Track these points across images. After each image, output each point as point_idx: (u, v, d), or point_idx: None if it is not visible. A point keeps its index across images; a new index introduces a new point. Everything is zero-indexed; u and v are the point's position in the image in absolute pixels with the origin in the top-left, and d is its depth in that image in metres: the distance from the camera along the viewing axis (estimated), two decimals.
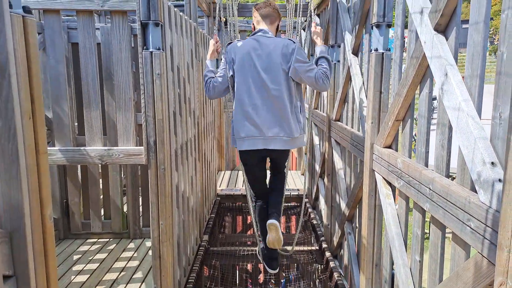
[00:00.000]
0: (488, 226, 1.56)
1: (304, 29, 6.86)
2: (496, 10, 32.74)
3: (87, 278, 3.77)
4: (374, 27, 2.99)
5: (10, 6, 1.33)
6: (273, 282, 7.30)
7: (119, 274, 3.87)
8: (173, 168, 3.28)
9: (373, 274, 3.17)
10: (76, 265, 4.04)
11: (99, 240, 4.64)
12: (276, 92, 2.73)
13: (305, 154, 6.81)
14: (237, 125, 2.82)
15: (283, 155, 3.05)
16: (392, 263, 2.87)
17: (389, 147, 2.89)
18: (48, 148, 2.81)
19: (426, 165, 2.38)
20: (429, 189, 2.11)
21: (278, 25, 2.99)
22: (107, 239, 4.67)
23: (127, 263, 4.09)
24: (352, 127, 4.00)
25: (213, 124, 6.40)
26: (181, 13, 3.58)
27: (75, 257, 4.22)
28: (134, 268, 4.00)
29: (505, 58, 1.53)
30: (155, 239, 3.01)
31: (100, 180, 4.72)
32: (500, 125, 1.57)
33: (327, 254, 4.72)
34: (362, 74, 3.81)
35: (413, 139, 2.78)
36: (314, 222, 5.72)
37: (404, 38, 2.78)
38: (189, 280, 4.00)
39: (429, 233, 2.30)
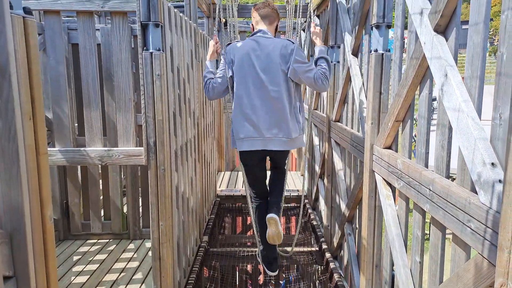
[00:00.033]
0: (489, 227, 1.56)
1: (304, 30, 6.86)
2: (496, 11, 32.69)
3: (87, 279, 3.77)
4: (373, 28, 2.99)
5: (11, 7, 1.33)
6: (273, 283, 7.30)
7: (119, 275, 3.86)
8: (173, 169, 3.27)
9: (373, 275, 3.16)
10: (76, 266, 4.04)
11: (99, 241, 4.64)
12: (275, 93, 2.73)
13: (305, 155, 6.81)
14: (236, 126, 2.82)
15: (283, 155, 3.05)
16: (392, 264, 2.86)
17: (389, 148, 2.89)
18: (48, 148, 2.82)
19: (426, 166, 2.37)
20: (429, 190, 2.11)
21: (277, 25, 2.99)
22: (107, 240, 4.67)
23: (127, 264, 4.09)
24: (352, 128, 4.00)
25: (213, 125, 6.40)
26: (181, 14, 3.58)
27: (75, 258, 4.21)
28: (134, 269, 3.99)
29: (505, 59, 1.53)
30: (155, 240, 3.01)
31: (100, 181, 4.72)
32: (500, 126, 1.57)
33: (327, 255, 4.71)
34: (362, 75, 3.81)
35: (413, 140, 2.78)
36: (314, 223, 5.71)
37: (404, 39, 2.78)
38: (189, 281, 3.99)
39: (429, 234, 2.30)
